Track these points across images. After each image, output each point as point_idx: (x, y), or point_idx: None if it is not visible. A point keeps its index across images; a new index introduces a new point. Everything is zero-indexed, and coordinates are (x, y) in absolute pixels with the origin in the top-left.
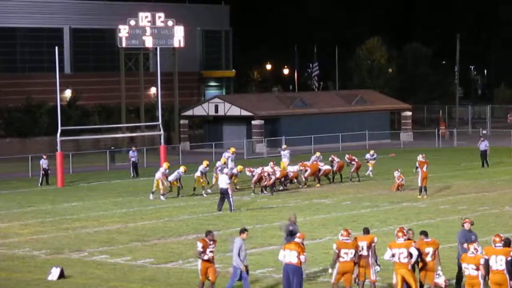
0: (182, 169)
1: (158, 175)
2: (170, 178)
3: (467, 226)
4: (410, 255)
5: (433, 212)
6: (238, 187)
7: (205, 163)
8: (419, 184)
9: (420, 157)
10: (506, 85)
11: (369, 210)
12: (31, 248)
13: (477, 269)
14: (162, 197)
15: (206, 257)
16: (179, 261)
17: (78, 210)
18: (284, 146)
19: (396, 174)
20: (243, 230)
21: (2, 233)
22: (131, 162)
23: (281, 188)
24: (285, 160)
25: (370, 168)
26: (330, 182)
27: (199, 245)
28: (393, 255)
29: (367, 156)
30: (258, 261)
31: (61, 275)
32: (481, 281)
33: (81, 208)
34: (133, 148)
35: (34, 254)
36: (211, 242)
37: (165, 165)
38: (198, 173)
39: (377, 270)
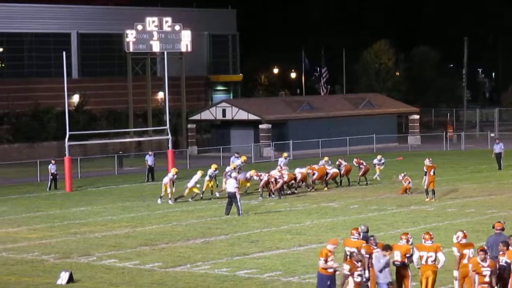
0: (199, 173)
1: (166, 180)
2: (190, 184)
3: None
4: (437, 259)
5: (441, 215)
6: (247, 191)
7: (213, 167)
8: (425, 187)
9: (427, 161)
10: None
11: (376, 214)
12: (40, 253)
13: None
14: (170, 201)
15: (358, 279)
16: (187, 265)
17: (86, 215)
18: (285, 154)
19: (400, 177)
20: (387, 248)
21: (11, 238)
22: (147, 166)
23: (289, 192)
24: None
25: (378, 173)
26: (337, 186)
27: (346, 268)
28: (420, 258)
29: (375, 161)
30: (266, 265)
31: (70, 279)
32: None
33: (89, 212)
34: (150, 152)
35: (43, 258)
36: (359, 264)
37: (173, 171)
38: (207, 177)
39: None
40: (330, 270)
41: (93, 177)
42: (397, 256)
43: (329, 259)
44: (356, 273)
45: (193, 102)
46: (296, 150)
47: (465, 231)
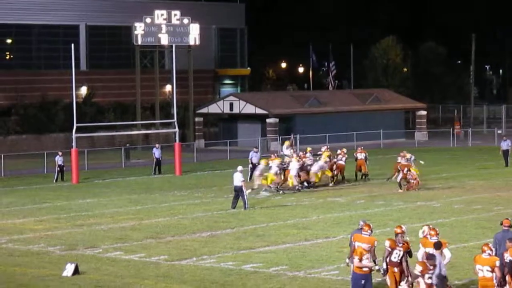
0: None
1: (257, 172)
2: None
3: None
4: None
5: (447, 212)
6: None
7: (264, 162)
8: (398, 180)
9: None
10: None
11: (382, 209)
12: (46, 244)
13: (492, 271)
14: (264, 193)
15: (429, 282)
16: (193, 258)
17: (92, 207)
18: (326, 152)
19: (409, 176)
20: (440, 245)
21: (18, 229)
22: (154, 159)
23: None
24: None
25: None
26: (343, 180)
27: (418, 269)
28: (425, 254)
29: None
30: (272, 259)
31: (76, 271)
32: (495, 283)
33: (95, 204)
34: (157, 145)
35: (49, 250)
36: (431, 267)
37: (263, 162)
38: (272, 171)
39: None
40: (365, 269)
41: (100, 169)
42: None
43: (364, 258)
44: (427, 276)
45: (200, 95)
46: (303, 144)
47: (431, 226)
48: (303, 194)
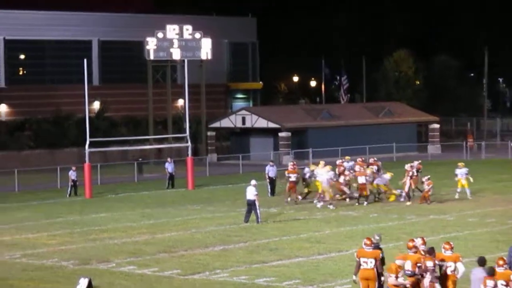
0: (388, 175)
1: (325, 184)
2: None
3: None
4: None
5: (461, 225)
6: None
7: (320, 167)
8: (406, 190)
9: (407, 166)
10: None
11: (396, 223)
12: (59, 259)
13: (507, 285)
14: (331, 206)
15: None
16: (206, 272)
17: (106, 221)
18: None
19: (424, 179)
20: (482, 261)
21: (31, 243)
22: (168, 174)
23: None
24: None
25: (468, 191)
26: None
27: (490, 284)
28: (440, 267)
29: (457, 171)
30: (285, 273)
31: (89, 286)
32: None
33: (109, 219)
34: (169, 160)
35: (62, 264)
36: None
37: (327, 167)
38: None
39: None
40: (402, 286)
41: (113, 184)
42: (408, 265)
43: (399, 275)
44: None
45: (212, 109)
46: (316, 158)
47: (424, 238)
48: (316, 207)
